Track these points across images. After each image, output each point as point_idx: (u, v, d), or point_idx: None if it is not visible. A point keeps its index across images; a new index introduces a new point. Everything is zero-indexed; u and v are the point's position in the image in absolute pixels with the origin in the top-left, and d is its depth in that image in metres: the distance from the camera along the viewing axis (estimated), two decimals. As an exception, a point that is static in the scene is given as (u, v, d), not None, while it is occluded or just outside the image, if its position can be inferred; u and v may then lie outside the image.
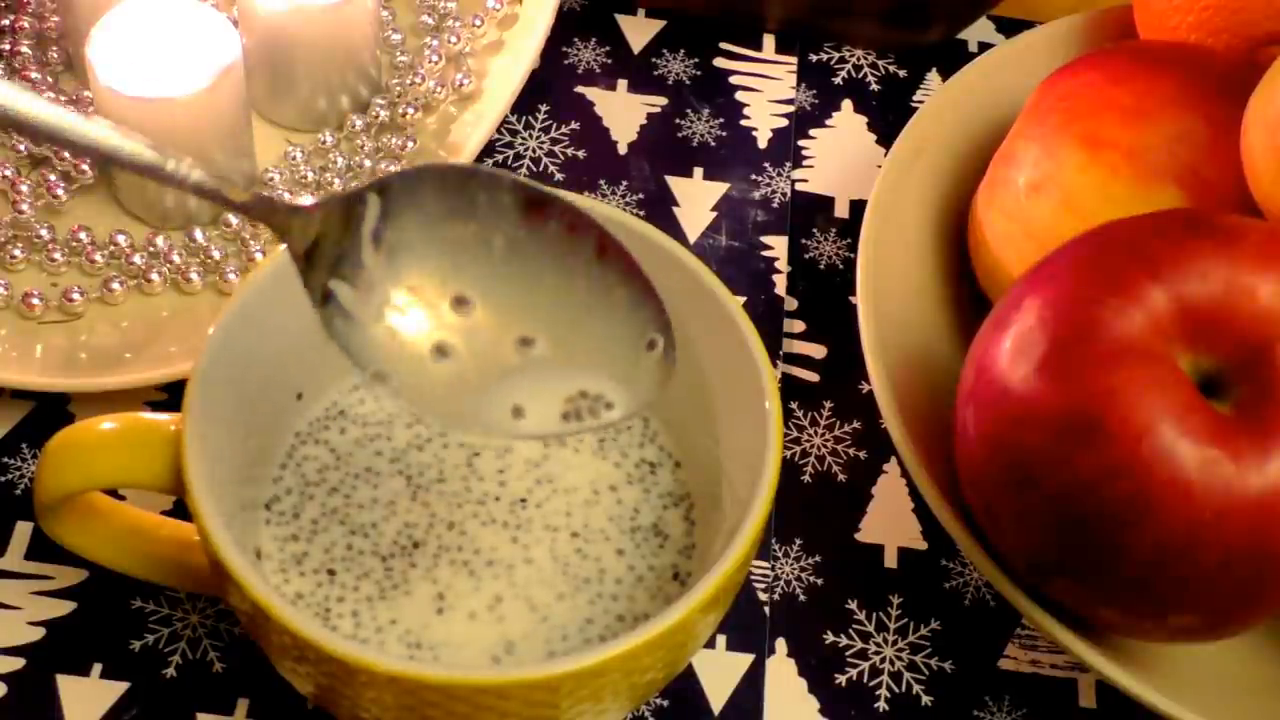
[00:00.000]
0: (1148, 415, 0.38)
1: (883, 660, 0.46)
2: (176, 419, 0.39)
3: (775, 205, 0.56)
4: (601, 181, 0.56)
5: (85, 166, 0.51)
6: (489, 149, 0.56)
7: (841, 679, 0.46)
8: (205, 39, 0.48)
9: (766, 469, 0.39)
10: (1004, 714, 0.46)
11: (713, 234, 0.55)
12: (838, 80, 0.59)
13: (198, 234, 0.51)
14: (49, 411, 0.49)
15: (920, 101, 0.59)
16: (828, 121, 0.58)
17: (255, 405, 0.42)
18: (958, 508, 0.44)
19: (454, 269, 0.38)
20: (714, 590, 0.37)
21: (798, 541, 0.48)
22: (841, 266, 0.54)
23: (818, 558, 0.48)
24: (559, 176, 0.55)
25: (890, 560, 0.48)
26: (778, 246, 0.55)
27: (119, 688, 0.44)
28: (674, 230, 0.54)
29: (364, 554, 0.42)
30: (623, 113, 0.58)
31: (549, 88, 0.58)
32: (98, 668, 0.44)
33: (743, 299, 0.53)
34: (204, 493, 0.38)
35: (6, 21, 0.55)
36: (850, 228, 0.55)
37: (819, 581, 0.48)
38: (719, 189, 0.56)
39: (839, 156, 0.57)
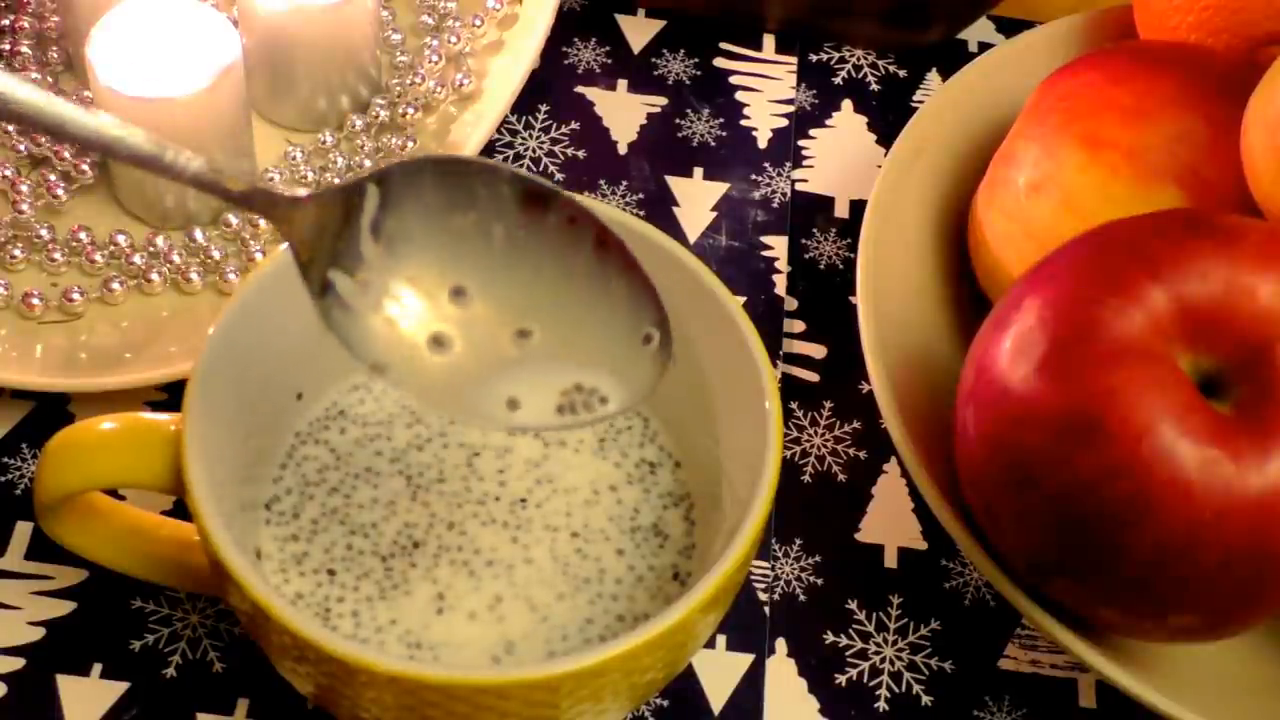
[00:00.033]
0: (1148, 415, 0.38)
1: (883, 660, 0.46)
2: (176, 419, 0.39)
3: (775, 205, 0.56)
4: (601, 181, 0.56)
5: (85, 166, 0.51)
6: (489, 149, 0.56)
7: (841, 679, 0.46)
8: (205, 39, 0.48)
9: (766, 469, 0.39)
10: (1004, 714, 0.46)
11: (713, 234, 0.55)
12: (838, 80, 0.59)
13: (198, 234, 0.51)
14: (49, 411, 0.49)
15: (920, 101, 0.59)
16: (828, 121, 0.58)
17: (255, 405, 0.42)
18: (958, 508, 0.44)
19: (452, 260, 0.38)
20: (714, 590, 0.37)
21: (798, 541, 0.48)
22: (841, 266, 0.54)
23: (818, 558, 0.48)
24: (559, 176, 0.55)
25: (890, 560, 0.48)
26: (778, 246, 0.55)
27: (119, 688, 0.44)
28: (674, 230, 0.54)
29: (364, 554, 0.42)
30: (623, 113, 0.58)
31: (549, 88, 0.58)
32: (98, 668, 0.44)
33: (743, 299, 0.53)
34: (204, 493, 0.38)
35: (6, 21, 0.55)
36: (850, 228, 0.55)
37: (819, 581, 0.48)
38: (719, 189, 0.56)
39: (839, 156, 0.57)
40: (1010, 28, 0.61)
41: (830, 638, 0.47)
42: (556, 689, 0.36)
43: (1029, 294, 0.41)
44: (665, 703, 0.45)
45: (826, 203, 0.56)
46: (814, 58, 0.60)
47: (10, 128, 0.52)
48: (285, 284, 0.40)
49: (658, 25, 0.60)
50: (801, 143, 0.57)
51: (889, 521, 0.49)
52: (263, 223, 0.51)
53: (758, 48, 0.60)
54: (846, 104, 0.59)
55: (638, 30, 0.60)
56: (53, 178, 0.51)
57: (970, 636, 0.47)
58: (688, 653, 0.41)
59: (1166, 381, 0.38)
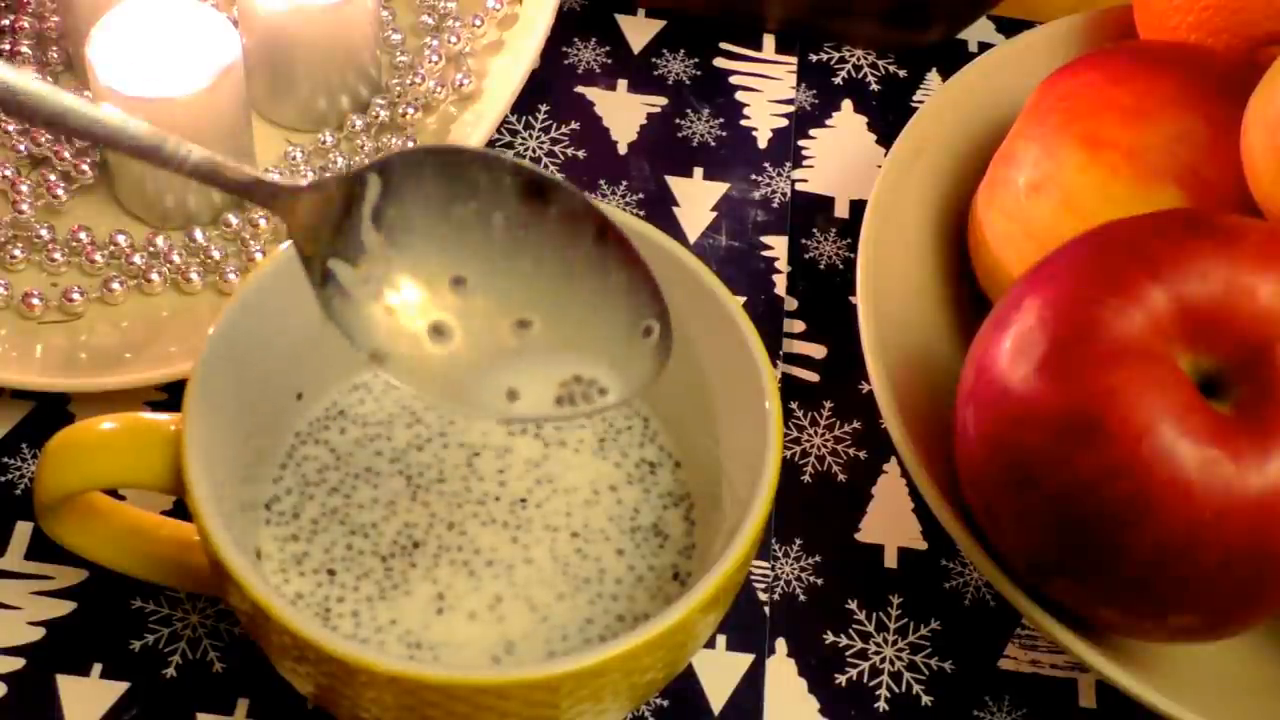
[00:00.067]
0: (1148, 415, 0.38)
1: (883, 660, 0.46)
2: (176, 419, 0.39)
3: (775, 205, 0.56)
4: (601, 181, 0.56)
5: (85, 166, 0.51)
6: (489, 149, 0.56)
7: (841, 679, 0.46)
8: (205, 39, 0.48)
9: (766, 469, 0.39)
10: (1004, 714, 0.46)
11: (713, 234, 0.55)
12: (838, 80, 0.59)
13: (198, 234, 0.51)
14: (49, 411, 0.49)
15: (920, 101, 0.59)
16: (828, 121, 0.58)
17: (255, 405, 0.42)
18: (958, 508, 0.44)
19: (453, 250, 0.38)
20: (714, 590, 0.37)
21: (798, 541, 0.48)
22: (841, 266, 0.54)
23: (818, 558, 0.48)
24: (559, 176, 0.55)
25: (890, 560, 0.48)
26: (778, 246, 0.55)
27: (119, 688, 0.44)
28: (674, 230, 0.54)
29: (364, 554, 0.42)
30: (623, 113, 0.58)
31: (549, 88, 0.58)
32: (98, 668, 0.44)
33: (743, 299, 0.53)
34: (204, 493, 0.38)
35: (6, 21, 0.55)
36: (850, 228, 0.55)
37: (819, 581, 0.48)
38: (719, 189, 0.56)
39: (839, 156, 0.57)
40: (1010, 28, 0.61)
41: (830, 638, 0.47)
42: (556, 689, 0.36)
43: (1029, 294, 0.41)
44: (665, 703, 0.45)
45: (826, 203, 0.56)
46: (814, 58, 0.60)
47: (11, 127, 0.52)
48: (285, 284, 0.40)
49: (658, 25, 0.60)
50: (801, 143, 0.57)
51: (889, 521, 0.49)
52: (263, 222, 0.51)
53: (758, 48, 0.60)
54: (846, 104, 0.59)
55: (638, 30, 0.60)
56: (53, 178, 0.51)
57: (970, 636, 0.47)
58: (688, 653, 0.41)
59: (1166, 381, 0.38)
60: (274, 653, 0.39)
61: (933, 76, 0.60)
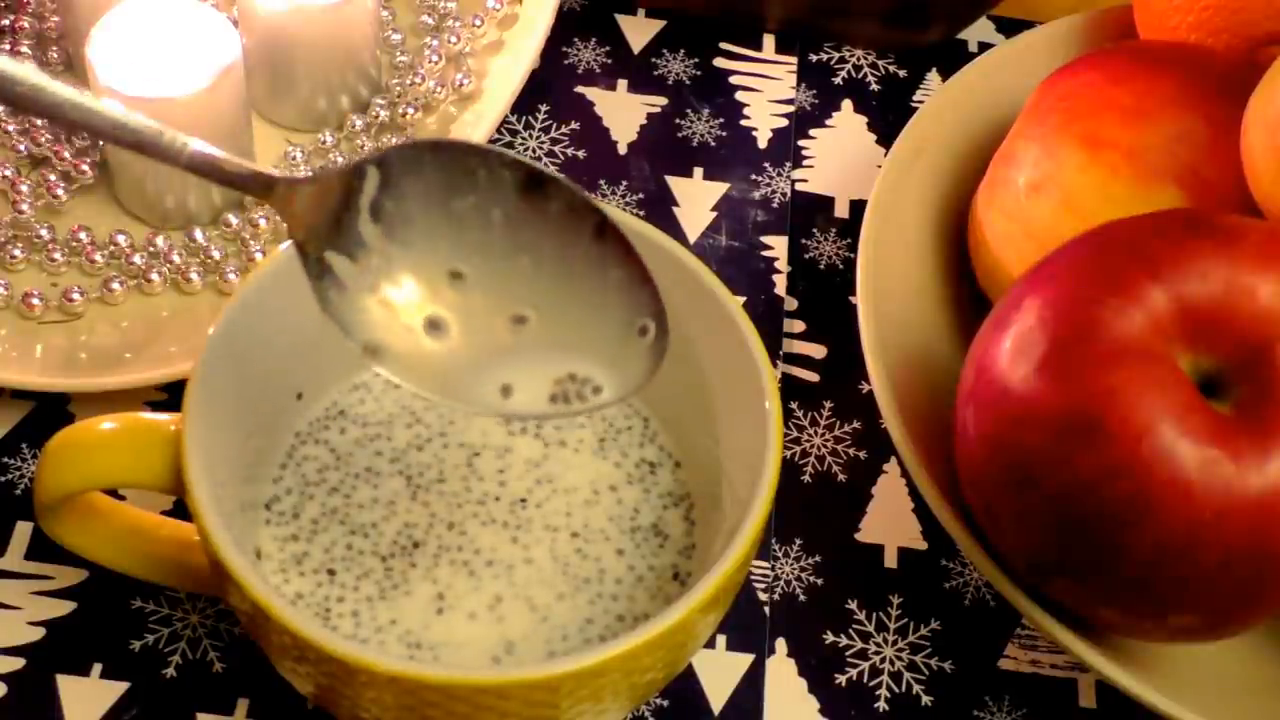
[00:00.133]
0: (1148, 415, 0.38)
1: (883, 660, 0.46)
2: (176, 419, 0.39)
3: (775, 205, 0.56)
4: (601, 181, 0.56)
5: (85, 166, 0.52)
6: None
7: (841, 679, 0.46)
8: (205, 39, 0.48)
9: (766, 469, 0.39)
10: (1004, 714, 0.46)
11: (713, 234, 0.55)
12: (838, 80, 0.59)
13: (198, 234, 0.51)
14: (49, 411, 0.49)
15: (920, 101, 0.59)
16: (828, 121, 0.58)
17: (255, 405, 0.42)
18: (958, 508, 0.44)
19: (451, 244, 0.38)
20: (714, 590, 0.37)
21: (798, 541, 0.48)
22: (841, 266, 0.54)
23: (818, 558, 0.48)
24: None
25: (890, 560, 0.48)
26: (778, 246, 0.55)
27: (119, 688, 0.44)
28: (674, 230, 0.54)
29: (364, 554, 0.42)
30: (623, 113, 0.58)
31: (549, 88, 0.58)
32: (98, 668, 0.44)
33: (743, 299, 0.53)
34: (204, 493, 0.38)
35: (6, 21, 0.55)
36: (850, 228, 0.55)
37: (819, 581, 0.48)
38: (719, 189, 0.56)
39: (839, 156, 0.57)
40: (1010, 28, 0.61)
41: (830, 638, 0.47)
42: (556, 689, 0.36)
43: (1029, 294, 0.41)
44: (665, 703, 0.45)
45: (826, 203, 0.56)
46: (814, 58, 0.60)
47: (11, 127, 0.52)
48: (285, 284, 0.40)
49: (658, 25, 0.60)
50: (801, 143, 0.57)
51: (889, 521, 0.49)
52: (263, 222, 0.51)
53: (758, 48, 0.60)
54: (846, 104, 0.59)
55: (638, 30, 0.60)
56: (53, 178, 0.51)
57: (970, 636, 0.47)
58: (688, 653, 0.41)
59: (1166, 381, 0.38)
60: (274, 653, 0.39)
61: (933, 76, 0.60)
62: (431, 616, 0.41)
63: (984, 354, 0.41)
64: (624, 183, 0.56)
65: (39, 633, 0.45)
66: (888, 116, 0.58)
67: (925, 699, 0.46)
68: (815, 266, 0.54)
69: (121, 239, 0.50)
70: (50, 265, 0.50)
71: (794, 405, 0.51)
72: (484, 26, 0.56)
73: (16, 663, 0.44)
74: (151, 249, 0.50)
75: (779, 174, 0.56)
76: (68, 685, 0.44)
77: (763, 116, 0.58)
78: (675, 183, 0.56)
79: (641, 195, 0.55)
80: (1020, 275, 0.43)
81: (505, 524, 0.42)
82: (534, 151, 0.56)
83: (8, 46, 0.54)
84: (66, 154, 0.51)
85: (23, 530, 0.46)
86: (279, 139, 0.54)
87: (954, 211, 0.52)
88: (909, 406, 0.46)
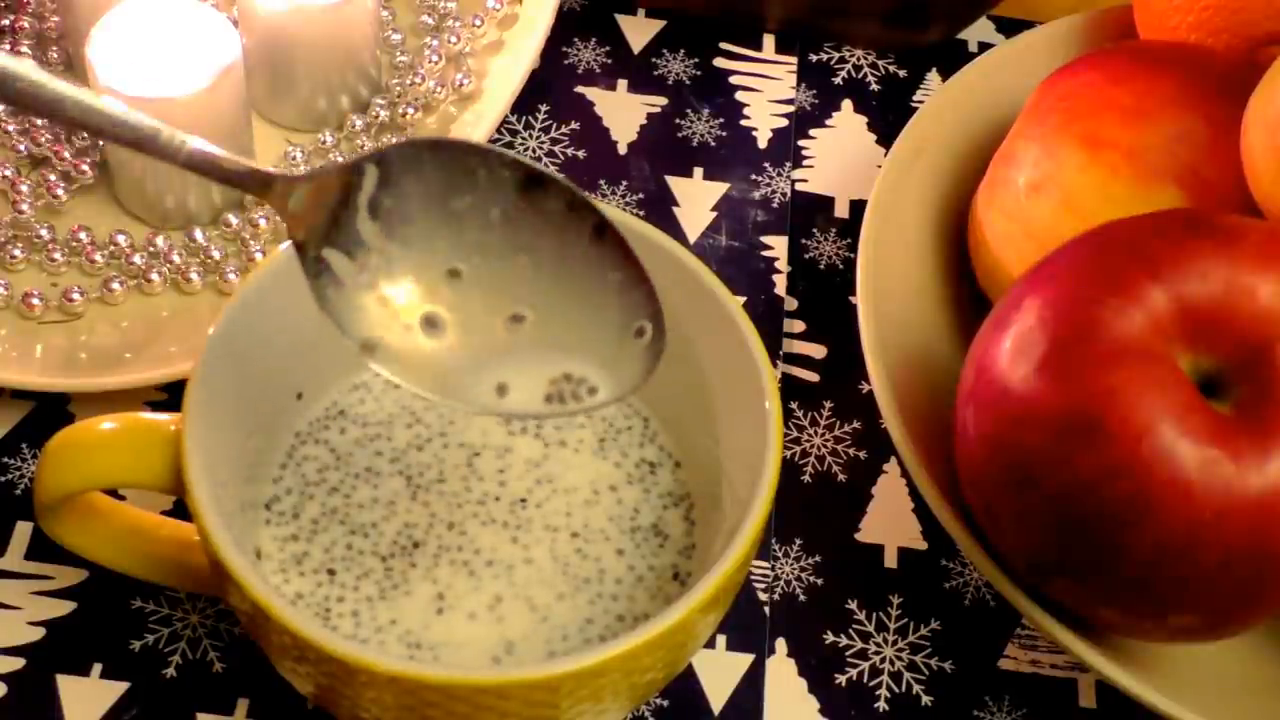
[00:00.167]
0: (1148, 415, 0.38)
1: (883, 660, 0.46)
2: (176, 419, 0.39)
3: (775, 205, 0.56)
4: (601, 181, 0.56)
5: (85, 167, 0.52)
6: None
7: (841, 679, 0.46)
8: (205, 39, 0.48)
9: (766, 469, 0.39)
10: (1004, 714, 0.46)
11: (713, 234, 0.55)
12: (838, 80, 0.59)
13: (198, 234, 0.51)
14: (49, 411, 0.49)
15: (920, 101, 0.59)
16: (828, 121, 0.58)
17: (255, 405, 0.42)
18: (958, 508, 0.44)
19: (449, 242, 0.38)
20: (714, 590, 0.37)
21: (798, 541, 0.48)
22: (841, 266, 0.54)
23: (818, 558, 0.48)
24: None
25: (890, 560, 0.48)
26: (778, 246, 0.55)
27: (119, 688, 0.44)
28: (674, 230, 0.54)
29: (364, 554, 0.42)
30: (623, 113, 0.58)
31: (549, 88, 0.58)
32: (98, 668, 0.44)
33: (743, 299, 0.53)
34: (204, 493, 0.38)
35: (6, 21, 0.55)
36: (850, 228, 0.55)
37: (819, 581, 0.48)
38: (719, 189, 0.56)
39: (839, 156, 0.57)
40: (1010, 28, 0.61)
41: (830, 638, 0.47)
42: (556, 689, 0.36)
43: (1029, 294, 0.41)
44: (665, 703, 0.45)
45: (826, 203, 0.56)
46: (814, 58, 0.60)
47: (11, 127, 0.52)
48: (285, 284, 0.40)
49: (658, 25, 0.60)
50: (801, 143, 0.57)
51: (889, 521, 0.49)
52: (263, 222, 0.51)
53: (758, 48, 0.60)
54: (846, 104, 0.59)
55: (638, 30, 0.60)
56: (53, 178, 0.51)
57: (970, 636, 0.47)
58: (688, 653, 0.41)
59: (1166, 381, 0.38)
60: (274, 653, 0.39)
61: (933, 76, 0.60)
62: (431, 616, 0.41)
63: (984, 354, 0.41)
64: (624, 183, 0.56)
65: (39, 633, 0.45)
66: (888, 116, 0.58)
67: (925, 699, 0.46)
68: (815, 266, 0.54)
69: (121, 239, 0.50)
70: (50, 265, 0.50)
71: (794, 405, 0.51)
72: (484, 26, 0.56)
73: (16, 663, 0.44)
74: (151, 249, 0.50)
75: (779, 174, 0.56)
76: (68, 685, 0.44)
77: (763, 116, 0.58)
78: (675, 183, 0.56)
79: (641, 195, 0.55)
80: (1020, 275, 0.43)
81: (505, 524, 0.42)
82: (534, 151, 0.56)
83: (8, 46, 0.54)
84: (66, 154, 0.51)
85: (23, 530, 0.46)
86: (279, 139, 0.54)
87: (954, 211, 0.52)
88: (909, 406, 0.46)
